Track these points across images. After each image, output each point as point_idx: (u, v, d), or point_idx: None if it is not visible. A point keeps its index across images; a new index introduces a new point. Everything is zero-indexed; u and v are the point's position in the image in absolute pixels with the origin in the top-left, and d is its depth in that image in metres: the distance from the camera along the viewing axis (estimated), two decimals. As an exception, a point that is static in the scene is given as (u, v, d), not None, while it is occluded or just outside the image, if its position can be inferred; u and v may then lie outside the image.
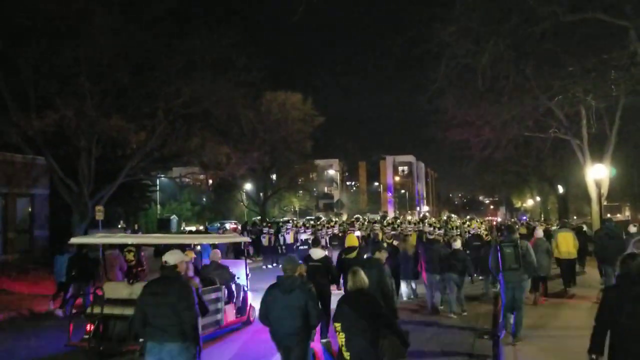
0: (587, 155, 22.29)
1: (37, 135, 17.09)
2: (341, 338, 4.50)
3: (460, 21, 17.88)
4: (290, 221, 29.02)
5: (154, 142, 20.12)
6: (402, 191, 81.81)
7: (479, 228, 22.34)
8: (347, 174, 77.45)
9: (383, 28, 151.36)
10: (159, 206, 43.65)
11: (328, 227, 24.13)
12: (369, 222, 29.06)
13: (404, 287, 12.41)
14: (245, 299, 10.22)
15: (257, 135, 32.48)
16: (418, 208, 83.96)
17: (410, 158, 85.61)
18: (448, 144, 25.94)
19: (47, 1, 15.84)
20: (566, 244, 12.66)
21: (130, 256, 12.28)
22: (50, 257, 18.93)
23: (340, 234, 20.40)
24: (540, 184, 44.49)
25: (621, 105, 20.66)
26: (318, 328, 6.59)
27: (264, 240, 21.54)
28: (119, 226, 27.96)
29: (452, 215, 48.19)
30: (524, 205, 70.94)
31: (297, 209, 56.39)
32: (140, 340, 7.37)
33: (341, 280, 8.91)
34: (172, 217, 40.28)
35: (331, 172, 69.04)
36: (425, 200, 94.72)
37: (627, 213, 45.06)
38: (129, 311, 7.71)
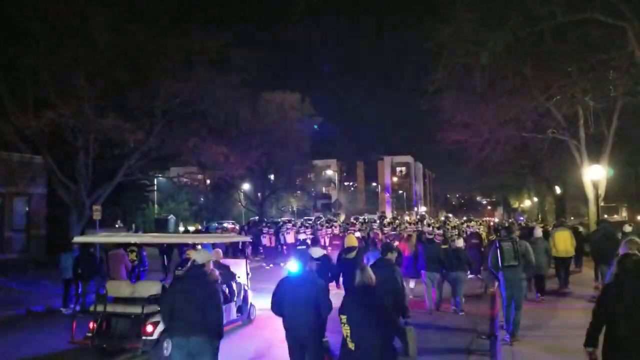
0: (585, 156, 22.31)
1: (35, 134, 17.06)
2: (346, 329, 4.71)
3: (459, 21, 17.93)
4: (291, 221, 29.00)
5: (152, 141, 20.10)
6: (400, 191, 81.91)
7: (478, 228, 22.36)
8: (345, 174, 77.45)
9: (382, 28, 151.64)
10: (156, 206, 43.54)
11: (328, 227, 24.14)
12: (367, 222, 29.06)
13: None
14: (245, 297, 10.24)
15: (255, 135, 32.44)
16: (416, 208, 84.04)
17: (408, 159, 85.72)
18: (446, 144, 25.97)
19: (47, 1, 15.82)
20: (564, 242, 12.77)
21: (133, 255, 12.37)
22: (47, 256, 19.01)
23: (340, 234, 20.38)
24: (537, 184, 44.48)
25: (619, 106, 20.70)
26: None
27: (265, 240, 21.55)
28: (117, 226, 27.88)
29: (450, 215, 48.24)
30: (522, 205, 71.09)
31: (295, 209, 56.35)
32: (143, 338, 7.44)
33: (340, 280, 8.96)
34: (169, 217, 40.16)
35: (329, 172, 69.04)
36: (422, 201, 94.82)
37: (624, 214, 45.16)
38: (131, 309, 7.75)
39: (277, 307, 5.56)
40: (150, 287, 8.17)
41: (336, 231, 22.17)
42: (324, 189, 68.08)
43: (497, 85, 20.89)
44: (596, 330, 4.25)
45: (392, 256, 7.21)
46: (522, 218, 53.51)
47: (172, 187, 41.04)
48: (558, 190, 36.63)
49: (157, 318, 7.72)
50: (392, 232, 21.08)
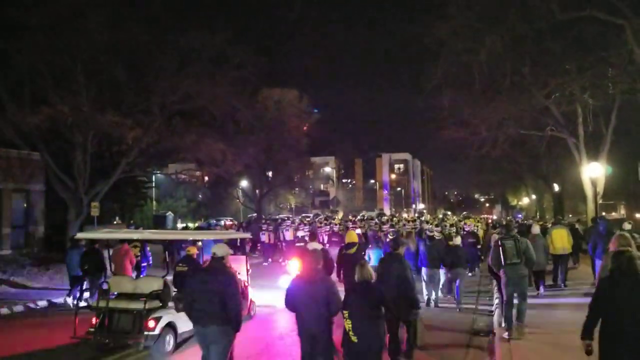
0: (583, 153, 22.35)
1: (32, 130, 17.00)
2: (348, 324, 5.00)
3: (458, 18, 17.94)
4: (290, 218, 28.98)
5: (150, 138, 20.06)
6: (398, 189, 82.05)
7: (476, 226, 22.35)
8: (343, 172, 77.53)
9: (381, 25, 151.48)
10: (154, 203, 43.47)
11: (326, 224, 24.11)
12: (365, 219, 29.14)
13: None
14: (245, 294, 10.25)
15: (253, 132, 32.39)
16: (414, 205, 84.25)
17: (406, 156, 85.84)
18: (444, 142, 26.01)
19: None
20: (561, 239, 12.84)
21: (136, 251, 12.44)
22: (45, 253, 19.01)
23: (340, 232, 20.36)
24: (535, 182, 44.56)
25: (617, 103, 20.73)
26: None
27: (264, 237, 21.54)
28: (114, 222, 27.83)
29: (448, 212, 48.31)
30: (520, 203, 71.14)
31: (293, 206, 56.36)
32: (145, 333, 7.47)
33: (341, 275, 9.00)
34: (167, 214, 40.05)
35: (327, 169, 68.99)
36: (420, 198, 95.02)
37: (622, 211, 45.23)
38: (133, 305, 7.78)
39: (290, 304, 5.82)
40: (152, 283, 8.20)
41: (335, 229, 22.14)
42: (322, 186, 68.06)
43: (495, 82, 20.91)
44: (592, 323, 4.45)
45: (402, 251, 7.47)
46: (519, 215, 53.52)
47: (171, 183, 41.03)
48: (556, 187, 36.71)
49: (159, 313, 7.81)
50: (391, 229, 21.06)
